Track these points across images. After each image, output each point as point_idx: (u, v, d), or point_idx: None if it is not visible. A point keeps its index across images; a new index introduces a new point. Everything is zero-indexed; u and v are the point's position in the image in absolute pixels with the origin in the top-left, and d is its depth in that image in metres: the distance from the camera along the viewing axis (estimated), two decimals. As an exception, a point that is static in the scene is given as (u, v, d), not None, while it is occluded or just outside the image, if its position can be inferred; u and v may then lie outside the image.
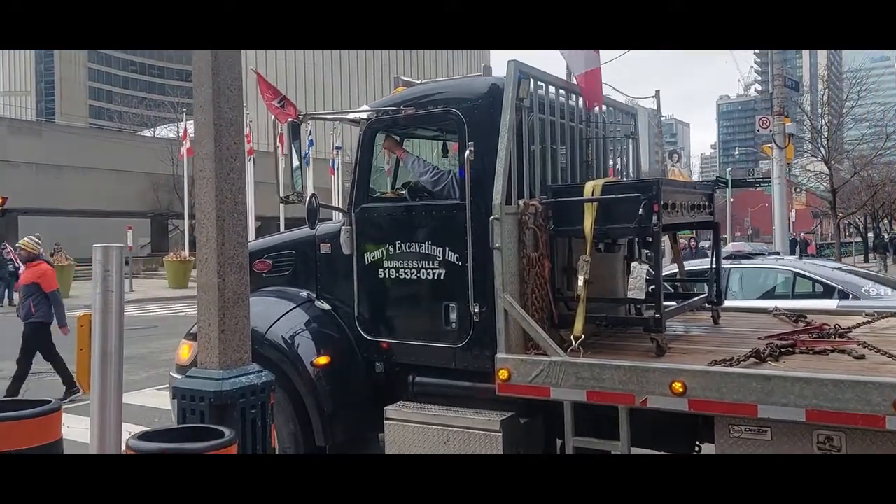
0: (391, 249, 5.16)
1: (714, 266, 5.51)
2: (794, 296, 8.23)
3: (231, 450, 2.79)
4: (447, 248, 4.93)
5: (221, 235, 3.47)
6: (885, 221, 50.69)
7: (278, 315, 5.43)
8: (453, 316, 4.92)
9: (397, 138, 5.65)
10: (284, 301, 5.60)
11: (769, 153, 16.20)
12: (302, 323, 5.46)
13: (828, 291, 8.18)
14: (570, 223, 4.62)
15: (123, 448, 3.10)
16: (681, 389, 3.72)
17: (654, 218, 4.29)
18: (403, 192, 5.60)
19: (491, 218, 4.33)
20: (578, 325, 4.26)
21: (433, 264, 4.98)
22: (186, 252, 33.94)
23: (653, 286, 4.47)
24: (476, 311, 4.75)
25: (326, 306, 5.50)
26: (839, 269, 9.18)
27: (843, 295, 8.05)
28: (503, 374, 4.27)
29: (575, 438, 4.12)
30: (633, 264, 4.52)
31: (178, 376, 5.74)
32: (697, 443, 4.76)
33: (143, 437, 2.94)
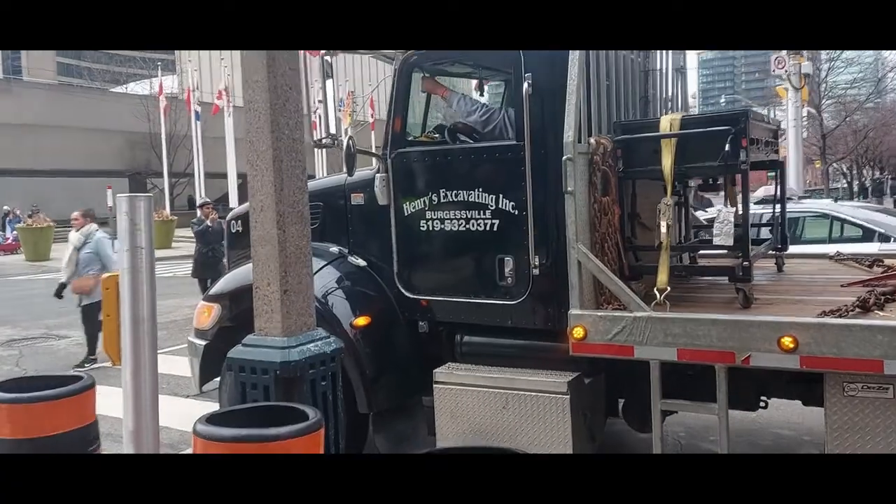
0: (434, 198, 4.67)
1: (780, 210, 5.09)
2: (832, 240, 7.86)
3: (318, 435, 2.34)
4: (501, 195, 4.45)
5: (279, 179, 2.97)
6: (869, 168, 50.77)
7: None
8: (509, 270, 4.47)
9: (436, 77, 5.09)
10: (315, 257, 5.10)
11: (783, 96, 15.76)
12: (335, 281, 4.99)
13: (867, 235, 7.82)
14: (643, 163, 4.16)
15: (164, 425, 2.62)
16: (791, 345, 3.32)
17: (743, 154, 3.84)
18: (436, 135, 5.09)
19: (564, 158, 3.85)
20: (663, 276, 3.82)
21: (484, 213, 4.51)
22: (168, 211, 33.09)
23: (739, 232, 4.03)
24: (536, 263, 4.30)
25: (361, 262, 5.03)
26: (878, 210, 8.82)
27: (884, 238, 7.70)
28: (578, 333, 3.84)
29: (664, 401, 3.72)
30: (718, 208, 4.08)
31: (199, 341, 5.28)
32: (764, 398, 4.41)
33: (211, 420, 2.48)
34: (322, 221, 5.26)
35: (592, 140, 4.00)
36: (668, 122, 4.03)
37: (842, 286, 4.42)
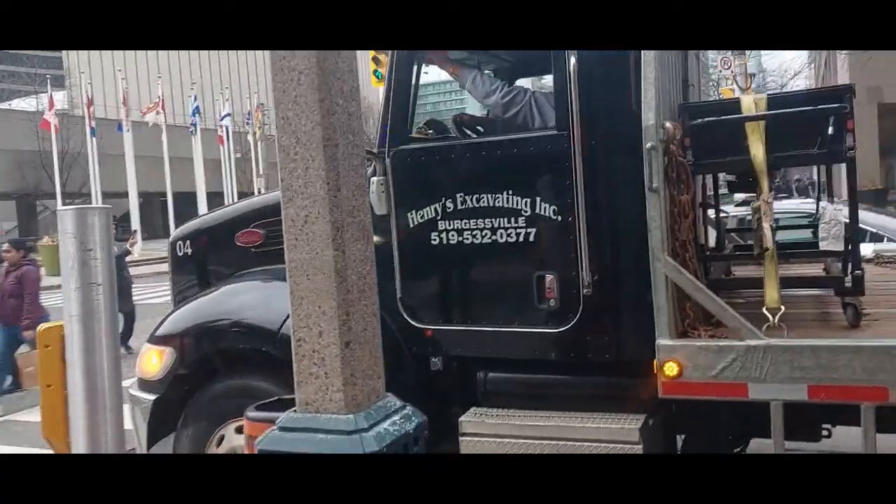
0: (449, 205, 3.75)
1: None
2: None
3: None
4: (539, 199, 3.58)
5: (335, 173, 1.98)
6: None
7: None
8: (551, 290, 3.60)
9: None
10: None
11: (729, 97, 15.65)
12: None
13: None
14: (719, 153, 3.39)
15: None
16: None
17: (850, 139, 3.13)
18: (430, 131, 4.18)
19: (647, 146, 3.01)
20: (773, 293, 3.04)
21: (517, 221, 3.63)
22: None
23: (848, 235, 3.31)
24: (588, 281, 3.45)
25: (354, 287, 4.03)
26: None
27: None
28: (671, 369, 3.00)
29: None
30: (823, 204, 3.35)
31: (146, 395, 4.15)
32: (827, 427, 3.71)
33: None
34: (299, 238, 4.24)
35: (669, 125, 3.18)
36: (751, 102, 3.27)
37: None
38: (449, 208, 3.76)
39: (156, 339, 4.19)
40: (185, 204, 36.16)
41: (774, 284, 3.04)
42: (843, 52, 26.21)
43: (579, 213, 3.44)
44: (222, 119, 36.61)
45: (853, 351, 2.75)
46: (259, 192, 36.10)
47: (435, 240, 3.81)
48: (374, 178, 3.84)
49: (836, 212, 3.21)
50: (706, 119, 3.25)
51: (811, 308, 3.54)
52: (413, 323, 3.90)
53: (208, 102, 39.60)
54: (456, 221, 3.75)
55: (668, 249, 3.09)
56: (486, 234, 3.70)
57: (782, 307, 3.01)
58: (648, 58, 3.06)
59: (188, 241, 4.59)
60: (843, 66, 28.10)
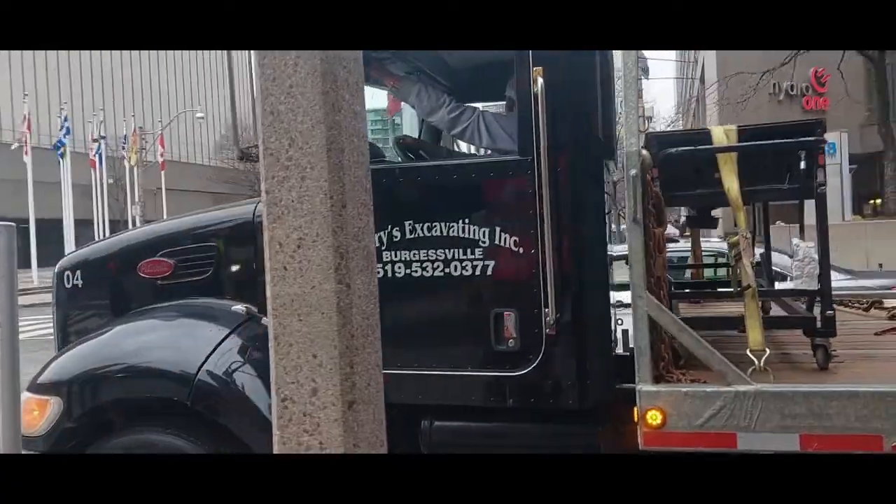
0: (396, 234, 3.39)
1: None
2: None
3: None
4: (499, 228, 3.27)
5: (339, 185, 1.56)
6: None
7: (210, 345, 3.40)
8: (510, 329, 3.28)
9: (393, 68, 3.82)
10: (210, 323, 3.57)
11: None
12: (250, 356, 3.47)
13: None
14: (686, 185, 3.22)
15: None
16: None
17: (821, 174, 3.03)
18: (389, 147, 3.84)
19: (631, 174, 2.77)
20: (757, 335, 2.85)
21: (474, 253, 3.30)
22: None
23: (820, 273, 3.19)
24: (551, 319, 3.17)
25: (282, 325, 3.55)
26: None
27: (781, 276, 7.50)
28: (655, 418, 2.74)
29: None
30: (796, 242, 3.23)
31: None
32: None
33: None
34: (216, 269, 3.73)
35: (645, 153, 2.97)
36: (722, 134, 3.13)
37: (877, 334, 3.77)
38: (395, 237, 3.39)
39: (38, 388, 3.51)
40: (49, 231, 33.55)
41: (757, 325, 2.86)
42: (712, 101, 28.02)
43: (545, 246, 3.16)
44: (95, 142, 34.35)
45: (848, 397, 2.59)
46: (135, 221, 34.00)
47: (378, 272, 3.40)
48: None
49: (809, 250, 3.10)
50: (681, 149, 3.07)
51: (770, 348, 3.41)
52: (350, 366, 3.46)
53: (79, 124, 37.17)
54: (403, 252, 3.38)
55: (644, 286, 2.85)
56: (438, 267, 3.35)
57: (767, 350, 2.83)
58: (629, 80, 2.84)
59: (79, 271, 3.94)
60: (711, 116, 30.03)
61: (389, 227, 3.38)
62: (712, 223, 3.79)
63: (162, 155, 36.71)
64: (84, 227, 35.78)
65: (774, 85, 29.14)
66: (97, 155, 34.09)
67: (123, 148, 35.85)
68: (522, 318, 3.24)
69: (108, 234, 35.47)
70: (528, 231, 3.22)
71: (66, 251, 34.45)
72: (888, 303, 4.48)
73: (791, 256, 3.70)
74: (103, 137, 33.25)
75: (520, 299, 3.25)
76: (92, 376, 3.43)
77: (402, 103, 4.13)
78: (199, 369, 3.27)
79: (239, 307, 3.56)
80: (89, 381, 3.42)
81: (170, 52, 57.85)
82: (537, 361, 3.24)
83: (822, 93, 32.12)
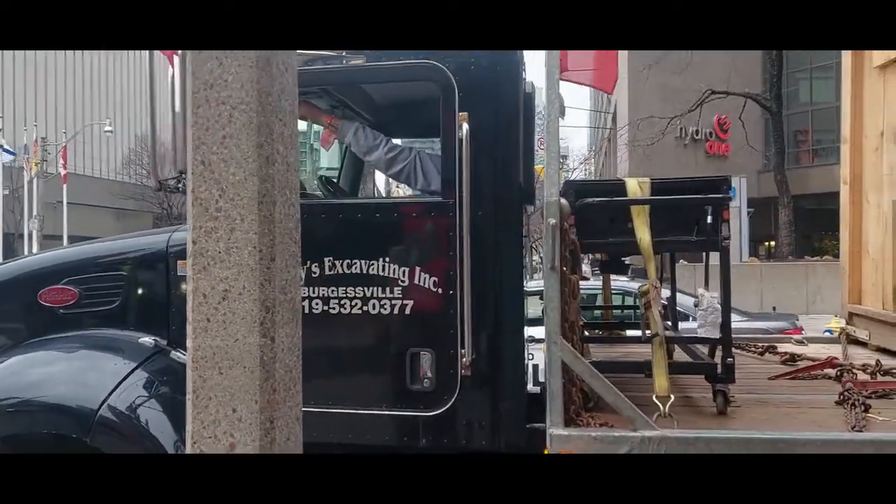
0: (315, 270, 3.37)
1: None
2: (636, 318, 7.79)
3: None
4: (418, 268, 3.31)
5: (269, 238, 1.52)
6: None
7: (114, 380, 3.26)
8: (425, 368, 3.31)
9: (319, 103, 3.81)
10: (115, 355, 3.43)
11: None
12: (154, 391, 3.36)
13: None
14: (599, 234, 3.33)
15: None
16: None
17: (725, 229, 3.21)
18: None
19: (551, 223, 2.86)
20: (663, 381, 2.97)
21: (392, 291, 3.32)
22: None
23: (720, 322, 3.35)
24: (467, 360, 3.21)
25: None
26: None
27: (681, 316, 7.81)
28: (566, 461, 2.80)
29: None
30: (700, 292, 3.38)
31: None
32: None
33: None
34: (124, 299, 3.59)
35: (564, 202, 3.07)
36: (636, 186, 3.27)
37: (770, 378, 3.98)
38: (315, 273, 3.37)
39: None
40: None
41: (664, 372, 2.98)
42: (623, 144, 29.16)
43: (462, 287, 3.21)
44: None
45: (745, 443, 2.73)
46: (31, 235, 32.23)
47: (294, 308, 3.37)
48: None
49: (712, 300, 3.26)
50: (597, 199, 3.19)
51: (673, 392, 3.55)
52: (261, 402, 3.39)
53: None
54: (322, 289, 3.36)
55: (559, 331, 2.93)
56: (356, 304, 3.34)
57: (672, 396, 2.94)
58: (553, 129, 2.94)
59: None
60: (622, 156, 31.22)
61: (308, 262, 3.36)
62: (624, 269, 3.94)
63: (64, 167, 35.07)
64: (-25, 240, 33.71)
65: (681, 129, 30.64)
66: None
67: (24, 158, 34.05)
68: (438, 358, 3.28)
69: (0, 247, 33.47)
70: (448, 272, 3.26)
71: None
72: (781, 347, 4.74)
73: (695, 298, 3.89)
74: (1, 145, 31.51)
75: (436, 339, 3.28)
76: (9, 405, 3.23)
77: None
78: (102, 404, 3.13)
79: (147, 339, 3.45)
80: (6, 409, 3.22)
81: (78, 59, 55.50)
82: (451, 402, 3.27)
83: (724, 139, 33.96)
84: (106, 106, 57.52)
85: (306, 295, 3.37)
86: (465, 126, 3.19)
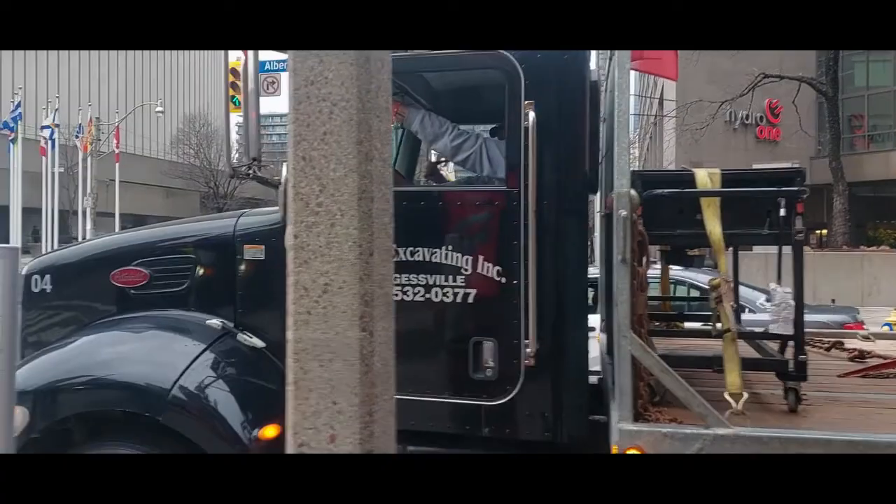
0: (378, 257, 3.37)
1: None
2: (691, 308, 7.65)
3: None
4: (482, 257, 3.29)
5: (368, 234, 1.55)
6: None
7: (186, 360, 3.33)
8: (488, 358, 3.30)
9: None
10: (185, 336, 3.50)
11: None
12: (224, 372, 3.42)
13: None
14: (667, 225, 3.28)
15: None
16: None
17: (799, 222, 3.12)
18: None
19: (622, 215, 2.82)
20: (735, 377, 2.91)
21: (455, 280, 3.31)
22: None
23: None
24: (532, 351, 3.20)
25: (257, 342, 3.51)
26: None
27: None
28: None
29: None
30: (773, 286, 3.31)
31: None
32: None
33: None
34: (192, 281, 3.66)
35: (633, 193, 3.02)
36: (706, 177, 3.20)
37: (839, 376, 3.89)
38: (377, 261, 3.37)
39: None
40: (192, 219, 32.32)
41: (736, 368, 2.92)
42: (671, 129, 28.63)
43: (529, 277, 3.19)
44: (44, 129, 33.21)
45: (823, 444, 2.67)
46: (86, 213, 33.01)
47: (358, 295, 3.40)
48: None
49: (785, 295, 3.18)
50: (667, 190, 3.13)
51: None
52: (324, 387, 3.43)
53: (33, 110, 36.08)
54: (384, 276, 3.36)
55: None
56: (419, 292, 3.35)
57: (745, 393, 2.89)
58: (622, 120, 2.89)
59: (48, 276, 3.83)
60: (669, 141, 30.66)
61: (373, 249, 3.37)
62: (688, 261, 3.87)
63: (117, 146, 35.82)
64: (33, 216, 34.69)
65: (730, 114, 29.93)
66: (49, 142, 33.06)
67: (77, 137, 34.85)
68: (501, 348, 3.26)
69: (56, 223, 34.39)
70: (511, 261, 3.24)
71: (12, 240, 33.30)
72: (848, 343, 4.63)
73: (768, 296, 3.79)
74: (57, 125, 32.28)
75: (499, 329, 3.27)
76: (59, 387, 3.33)
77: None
78: (174, 384, 3.20)
79: (214, 321, 3.51)
80: (56, 392, 3.32)
81: (130, 42, 56.38)
82: (514, 392, 3.26)
83: (775, 123, 33.07)
84: (156, 87, 58.59)
85: (370, 282, 3.39)
86: (532, 114, 3.15)
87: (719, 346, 3.06)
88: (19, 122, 30.59)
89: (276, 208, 3.69)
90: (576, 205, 3.33)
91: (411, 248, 3.34)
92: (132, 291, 3.67)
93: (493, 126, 3.83)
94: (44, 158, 33.19)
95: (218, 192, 53.27)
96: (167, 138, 55.74)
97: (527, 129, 3.17)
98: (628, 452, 2.78)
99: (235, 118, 3.15)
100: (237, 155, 3.18)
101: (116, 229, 37.12)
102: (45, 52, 48.65)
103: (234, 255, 3.57)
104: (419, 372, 3.39)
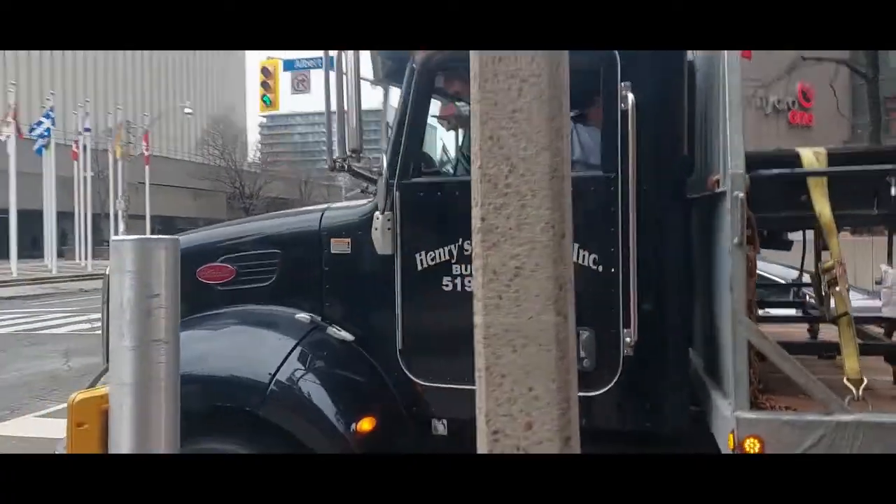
0: (466, 247, 3.32)
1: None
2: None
3: None
4: (577, 245, 3.21)
5: (560, 211, 1.50)
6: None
7: (280, 355, 3.31)
8: (586, 348, 3.23)
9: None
10: (276, 331, 3.48)
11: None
12: (317, 365, 3.40)
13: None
14: (773, 207, 3.18)
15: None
16: None
17: (908, 202, 3.01)
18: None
19: (738, 196, 2.73)
20: (854, 363, 2.82)
21: (550, 269, 3.24)
22: None
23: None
24: (631, 340, 3.12)
25: (346, 335, 3.48)
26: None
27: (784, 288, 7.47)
28: (753, 446, 2.69)
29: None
30: (885, 268, 3.21)
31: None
32: None
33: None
34: (279, 276, 3.63)
35: (745, 176, 2.93)
36: (812, 156, 3.10)
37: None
38: (466, 250, 3.32)
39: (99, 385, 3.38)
40: (30, 222, 32.84)
41: (854, 353, 2.83)
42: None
43: (626, 265, 3.11)
44: (80, 134, 33.58)
45: (956, 429, 2.57)
46: (118, 216, 33.41)
47: (447, 285, 3.35)
48: (379, 215, 3.35)
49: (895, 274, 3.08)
50: (775, 171, 3.03)
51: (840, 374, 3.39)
52: (415, 379, 3.40)
53: (62, 114, 36.52)
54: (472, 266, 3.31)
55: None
56: None
57: (864, 378, 2.80)
58: (735, 100, 2.80)
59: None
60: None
61: (460, 240, 3.32)
62: (787, 245, 3.77)
63: (146, 149, 36.20)
64: (66, 220, 35.15)
65: (762, 99, 29.47)
66: (82, 146, 33.49)
67: (109, 140, 35.25)
68: (599, 338, 3.19)
69: (90, 227, 34.80)
70: (609, 248, 3.17)
71: (46, 242, 33.56)
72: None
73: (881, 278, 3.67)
74: (87, 130, 32.67)
75: (597, 318, 3.19)
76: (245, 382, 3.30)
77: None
78: (273, 377, 3.18)
79: (303, 316, 3.48)
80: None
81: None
82: (614, 382, 3.19)
83: (807, 108, 32.50)
84: (181, 87, 59.12)
85: (459, 272, 3.33)
86: (631, 96, 3.07)
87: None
88: (53, 127, 30.95)
89: (360, 202, 3.65)
90: (676, 189, 3.25)
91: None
92: (219, 287, 3.65)
93: (576, 112, 3.75)
94: (76, 163, 33.63)
95: (244, 192, 53.72)
96: (192, 140, 56.21)
97: (624, 111, 3.09)
98: (747, 442, 2.70)
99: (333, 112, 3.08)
100: (335, 148, 3.16)
101: (147, 232, 37.55)
102: (69, 53, 49.27)
103: (320, 249, 3.54)
104: (514, 363, 3.34)
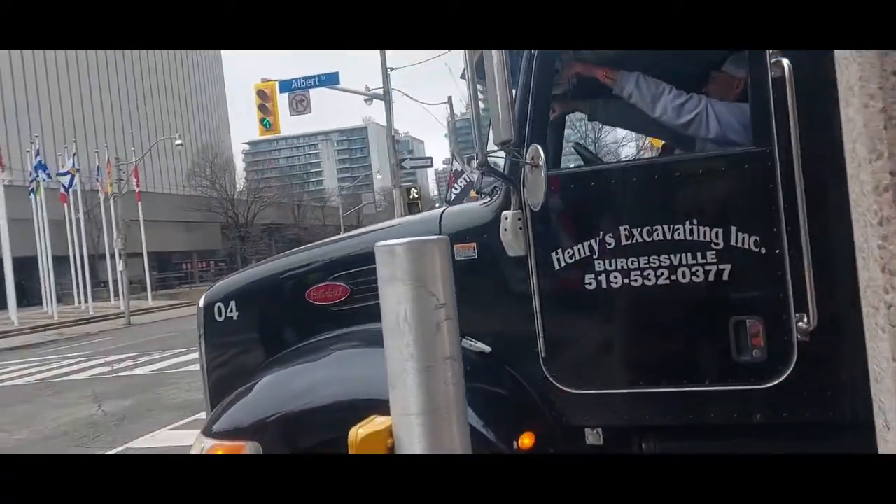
0: (610, 241, 3.08)
1: None
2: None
3: None
4: (735, 228, 2.98)
5: None
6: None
7: None
8: (754, 338, 2.99)
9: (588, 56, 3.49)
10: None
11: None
12: (466, 381, 3.13)
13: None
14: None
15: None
16: None
17: None
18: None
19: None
20: None
21: (705, 257, 3.01)
22: None
23: None
24: (804, 325, 2.89)
25: (483, 346, 3.24)
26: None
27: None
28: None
29: None
30: None
31: None
32: None
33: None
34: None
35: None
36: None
37: None
38: (609, 245, 3.08)
39: (225, 434, 3.11)
40: (21, 269, 32.31)
41: None
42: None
43: (791, 245, 2.88)
44: (62, 174, 33.04)
45: None
46: (119, 255, 32.92)
47: (590, 284, 3.11)
48: (507, 214, 3.12)
49: None
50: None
51: None
52: (562, 388, 3.15)
53: (50, 156, 36.06)
54: (620, 260, 3.07)
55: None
56: (662, 274, 3.04)
57: None
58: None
59: (233, 302, 3.55)
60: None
61: (602, 233, 3.09)
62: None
63: (137, 185, 35.80)
64: (63, 264, 34.64)
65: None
66: (69, 189, 33.01)
67: (98, 180, 34.80)
68: (768, 326, 2.96)
69: (87, 268, 34.30)
70: (771, 229, 2.94)
71: (43, 288, 33.07)
72: None
73: None
74: (77, 170, 32.26)
75: (764, 305, 2.96)
76: (290, 416, 3.05)
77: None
78: None
79: (433, 331, 3.22)
80: (288, 422, 3.04)
81: (136, 78, 56.90)
82: (788, 372, 2.95)
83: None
84: (169, 122, 58.79)
85: (602, 269, 3.10)
86: (786, 62, 2.85)
87: None
88: (41, 171, 30.56)
89: (478, 202, 3.42)
90: (835, 159, 3.03)
91: (648, 228, 3.05)
92: (332, 309, 3.40)
93: (705, 89, 3.51)
94: (65, 205, 33.12)
95: (238, 220, 53.34)
96: (179, 173, 55.86)
97: (779, 80, 2.87)
98: None
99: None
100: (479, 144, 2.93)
101: (146, 269, 37.06)
102: (54, 96, 48.85)
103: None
104: (672, 362, 3.10)
